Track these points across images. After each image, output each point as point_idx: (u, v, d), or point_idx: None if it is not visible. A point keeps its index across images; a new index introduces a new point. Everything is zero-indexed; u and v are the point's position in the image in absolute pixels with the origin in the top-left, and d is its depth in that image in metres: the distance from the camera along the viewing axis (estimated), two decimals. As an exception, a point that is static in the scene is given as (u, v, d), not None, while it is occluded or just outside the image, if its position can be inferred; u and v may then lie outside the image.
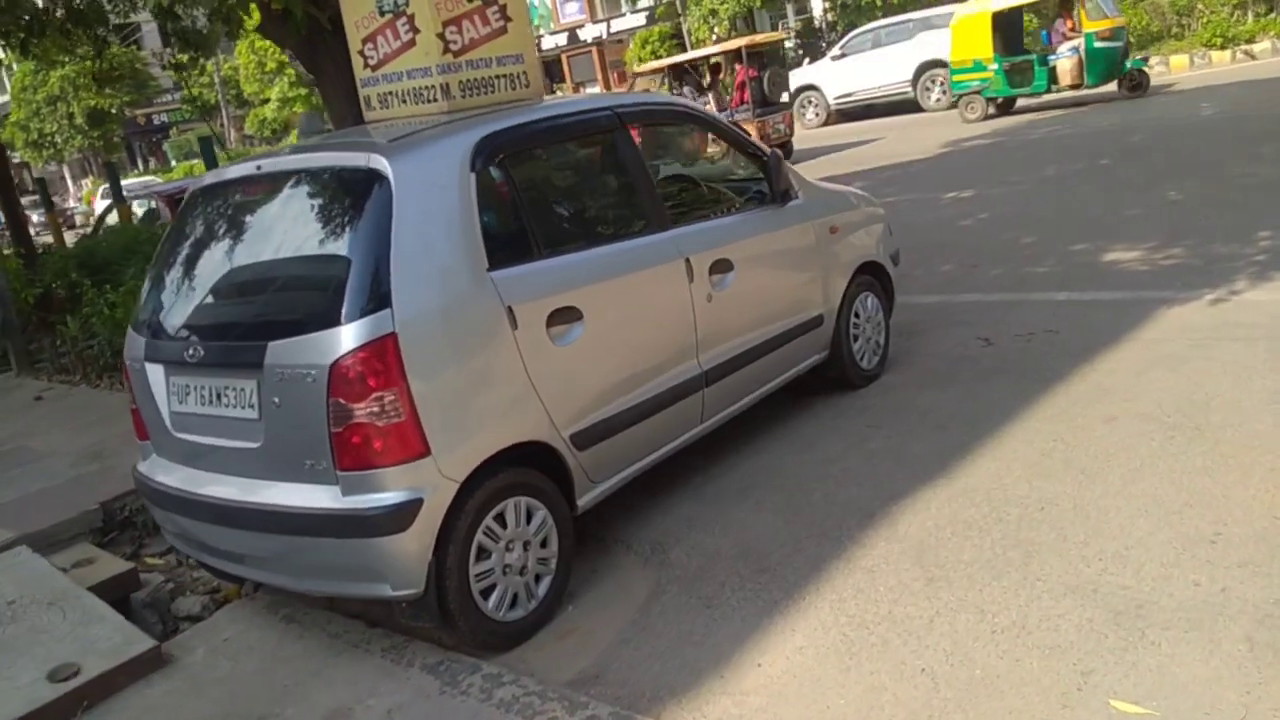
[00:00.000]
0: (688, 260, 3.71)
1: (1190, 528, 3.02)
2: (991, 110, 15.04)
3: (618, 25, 32.05)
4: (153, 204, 12.23)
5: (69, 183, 44.69)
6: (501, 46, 3.82)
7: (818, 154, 14.84)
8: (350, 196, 3.05)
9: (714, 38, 24.79)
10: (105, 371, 6.82)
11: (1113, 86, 14.19)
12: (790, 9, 28.26)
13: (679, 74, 15.98)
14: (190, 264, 3.42)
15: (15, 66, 31.99)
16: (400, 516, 2.76)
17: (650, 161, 4.44)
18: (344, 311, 2.78)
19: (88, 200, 31.54)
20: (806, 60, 22.95)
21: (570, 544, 3.25)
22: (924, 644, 2.70)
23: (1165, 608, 2.65)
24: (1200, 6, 18.06)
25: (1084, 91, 14.24)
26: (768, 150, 4.42)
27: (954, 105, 15.79)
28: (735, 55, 15.36)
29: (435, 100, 3.70)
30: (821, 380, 4.66)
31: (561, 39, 33.40)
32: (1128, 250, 6.25)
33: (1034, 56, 14.56)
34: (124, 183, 16.57)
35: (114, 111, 36.01)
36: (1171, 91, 14.41)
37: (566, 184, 3.93)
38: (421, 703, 2.78)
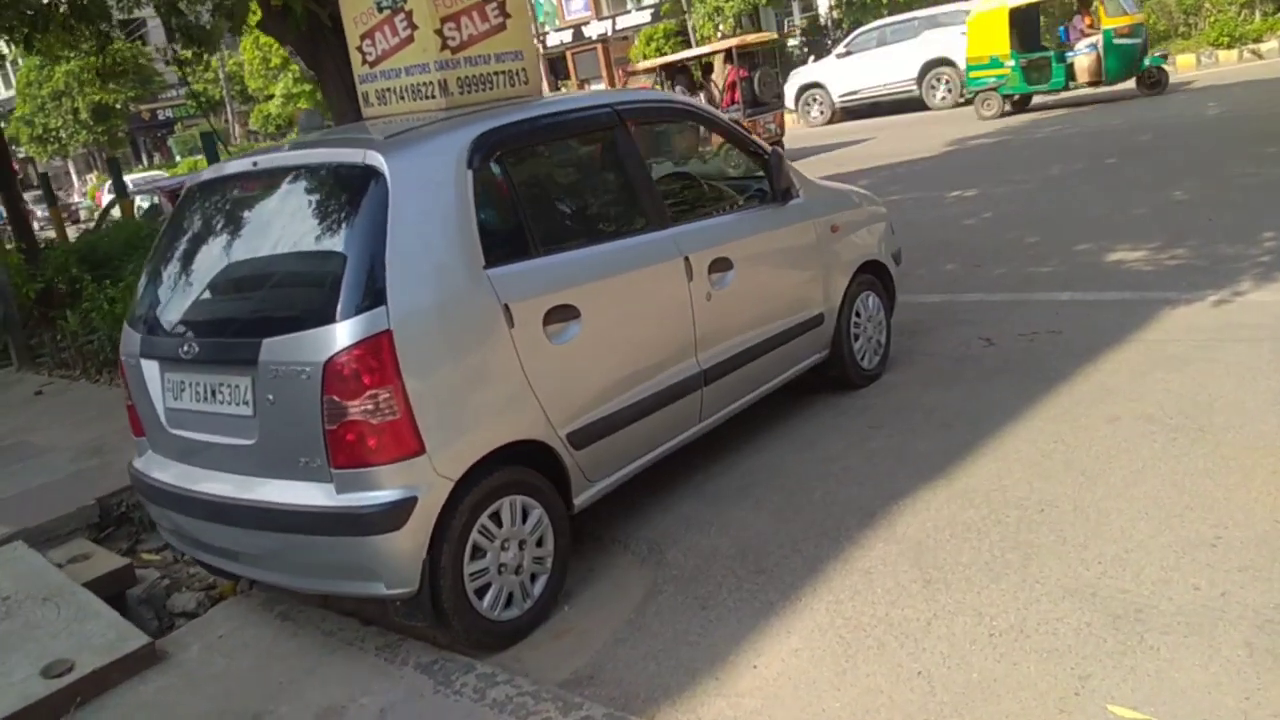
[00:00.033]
0: (687, 259, 3.69)
1: (1191, 531, 2.99)
2: (1008, 107, 14.90)
3: (623, 22, 31.99)
4: (155, 199, 12.23)
5: (74, 178, 44.74)
6: (500, 43, 3.80)
7: (820, 151, 14.80)
8: (346, 193, 3.03)
9: (719, 35, 24.73)
10: (105, 366, 6.83)
11: (1130, 84, 14.09)
12: (796, 6, 28.16)
13: (672, 73, 15.97)
14: (186, 260, 3.41)
15: (20, 62, 32.02)
16: (394, 515, 2.75)
17: (650, 159, 4.42)
18: (339, 308, 2.77)
19: (92, 195, 31.55)
20: (812, 58, 22.88)
21: (566, 543, 3.24)
22: (921, 647, 2.68)
23: (1164, 612, 2.63)
24: (1207, 6, 17.99)
25: (1102, 89, 14.12)
26: (769, 148, 4.39)
27: (962, 103, 15.68)
28: (726, 55, 15.34)
29: (433, 97, 3.68)
30: (822, 379, 4.64)
31: (567, 36, 33.36)
32: (1132, 250, 6.22)
33: (1052, 53, 14.41)
34: (129, 178, 16.61)
35: (119, 107, 36.05)
36: (1179, 91, 14.34)
37: (565, 181, 3.91)
38: (415, 702, 2.77)
